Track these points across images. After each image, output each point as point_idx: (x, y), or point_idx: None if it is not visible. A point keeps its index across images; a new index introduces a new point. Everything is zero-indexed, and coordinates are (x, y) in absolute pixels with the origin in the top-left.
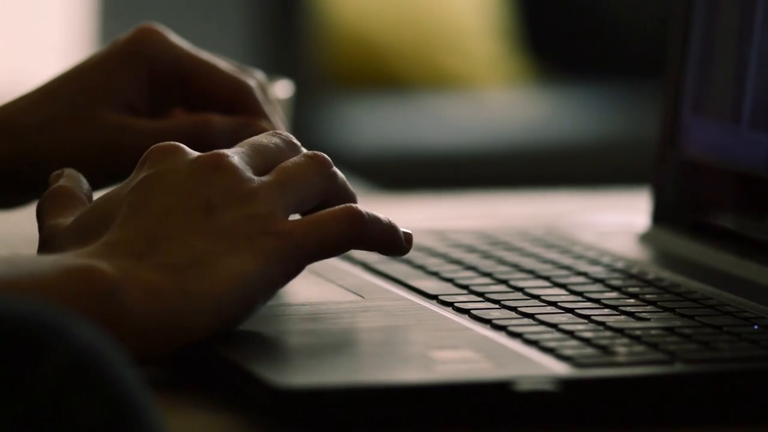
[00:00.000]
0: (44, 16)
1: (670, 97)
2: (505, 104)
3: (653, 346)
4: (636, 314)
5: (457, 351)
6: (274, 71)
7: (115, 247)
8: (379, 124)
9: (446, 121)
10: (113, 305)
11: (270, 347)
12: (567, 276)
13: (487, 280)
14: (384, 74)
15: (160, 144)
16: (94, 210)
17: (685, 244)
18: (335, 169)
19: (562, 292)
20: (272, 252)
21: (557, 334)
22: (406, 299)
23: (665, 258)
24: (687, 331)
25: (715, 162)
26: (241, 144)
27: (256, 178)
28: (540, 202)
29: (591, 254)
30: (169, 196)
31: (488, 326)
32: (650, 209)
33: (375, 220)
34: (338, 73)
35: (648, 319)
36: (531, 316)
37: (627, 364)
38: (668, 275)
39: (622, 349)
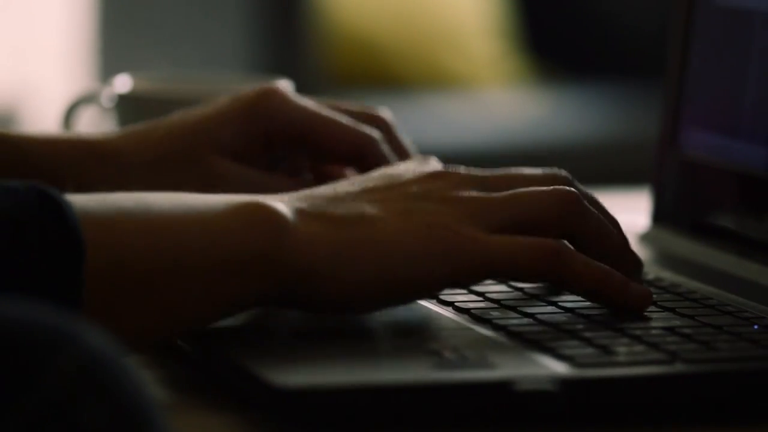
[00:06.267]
0: (45, 21)
1: (670, 97)
2: (506, 104)
3: (653, 345)
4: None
5: (457, 351)
6: (274, 71)
7: (297, 196)
8: None
9: (446, 121)
10: (277, 240)
11: (270, 347)
12: None
13: (487, 280)
14: (384, 74)
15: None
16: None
17: (685, 244)
18: (585, 205)
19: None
20: (445, 245)
21: (557, 334)
22: None
23: (665, 258)
24: (687, 330)
25: (715, 162)
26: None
27: (480, 193)
28: None
29: None
30: (382, 182)
31: (488, 326)
32: (650, 209)
33: (578, 262)
34: (338, 73)
35: (648, 319)
36: (531, 315)
37: (627, 364)
38: (668, 275)
39: (622, 349)
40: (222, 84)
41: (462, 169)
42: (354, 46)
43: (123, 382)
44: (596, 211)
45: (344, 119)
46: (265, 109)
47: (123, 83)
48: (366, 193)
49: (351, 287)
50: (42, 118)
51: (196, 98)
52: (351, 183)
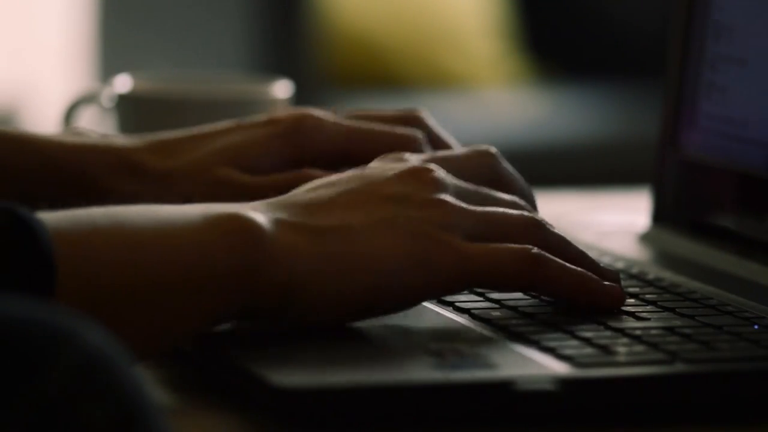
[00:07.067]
0: (45, 21)
1: (670, 97)
2: (505, 104)
3: (653, 345)
4: (636, 314)
5: (457, 351)
6: (274, 71)
7: (275, 205)
8: None
9: (446, 121)
10: (256, 253)
11: (270, 347)
12: None
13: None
14: (384, 74)
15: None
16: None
17: (685, 244)
18: (550, 231)
19: None
20: (426, 255)
21: (557, 334)
22: None
23: (665, 258)
24: (687, 330)
25: (715, 162)
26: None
27: (457, 201)
28: (540, 202)
29: (591, 254)
30: (360, 186)
31: (488, 326)
32: (650, 209)
33: (555, 267)
34: (338, 73)
35: (648, 319)
36: (531, 315)
37: (627, 364)
38: (668, 275)
39: (622, 349)
40: (222, 84)
41: (438, 170)
42: (354, 46)
43: (122, 380)
44: (557, 232)
45: (381, 127)
46: (300, 134)
47: (123, 83)
48: (345, 198)
49: (332, 301)
50: (42, 118)
51: (196, 98)
52: (330, 184)
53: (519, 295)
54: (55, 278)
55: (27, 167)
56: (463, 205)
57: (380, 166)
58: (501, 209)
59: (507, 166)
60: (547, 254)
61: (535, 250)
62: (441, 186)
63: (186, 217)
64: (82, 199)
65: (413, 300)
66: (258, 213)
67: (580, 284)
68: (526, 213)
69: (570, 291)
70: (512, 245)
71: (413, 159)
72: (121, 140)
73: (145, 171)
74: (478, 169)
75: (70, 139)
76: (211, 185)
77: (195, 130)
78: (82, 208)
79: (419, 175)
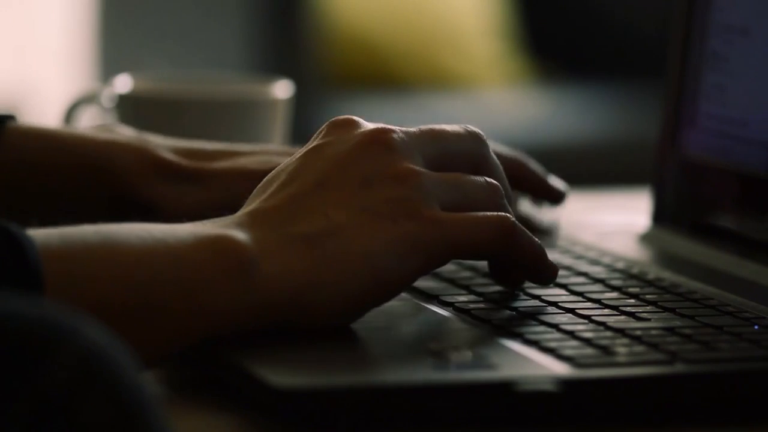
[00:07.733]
0: (45, 21)
1: (670, 97)
2: (505, 104)
3: (653, 346)
4: (636, 314)
5: (457, 351)
6: (275, 72)
7: (256, 216)
8: None
9: (446, 121)
10: (245, 277)
11: (270, 347)
12: (567, 276)
13: (487, 280)
14: (384, 74)
15: (337, 117)
16: (266, 179)
17: (685, 244)
18: (507, 204)
19: (563, 292)
20: (414, 237)
21: (558, 335)
22: (407, 299)
23: (665, 258)
24: (687, 331)
25: (715, 162)
26: (422, 127)
27: (417, 167)
28: None
29: (591, 254)
30: (328, 169)
31: (488, 326)
32: (650, 209)
33: (526, 236)
34: (338, 73)
35: (648, 320)
36: (531, 316)
37: (627, 365)
38: (668, 275)
39: (622, 350)
40: (222, 84)
41: (392, 129)
42: (354, 47)
43: (122, 376)
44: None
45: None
46: None
47: (123, 83)
48: (320, 191)
49: (338, 305)
50: (42, 118)
51: (196, 98)
52: (296, 174)
53: (520, 295)
54: (43, 295)
55: (56, 164)
56: (435, 173)
57: (334, 140)
58: (464, 175)
59: (493, 154)
60: (518, 223)
61: (510, 217)
62: (402, 145)
63: (177, 237)
64: (111, 196)
65: (410, 281)
66: (246, 232)
67: (539, 255)
68: (486, 178)
69: (532, 260)
70: (488, 214)
71: (365, 123)
72: (157, 140)
73: (179, 171)
74: (465, 155)
75: (102, 135)
76: (249, 186)
77: (232, 144)
78: (73, 226)
79: (379, 140)
